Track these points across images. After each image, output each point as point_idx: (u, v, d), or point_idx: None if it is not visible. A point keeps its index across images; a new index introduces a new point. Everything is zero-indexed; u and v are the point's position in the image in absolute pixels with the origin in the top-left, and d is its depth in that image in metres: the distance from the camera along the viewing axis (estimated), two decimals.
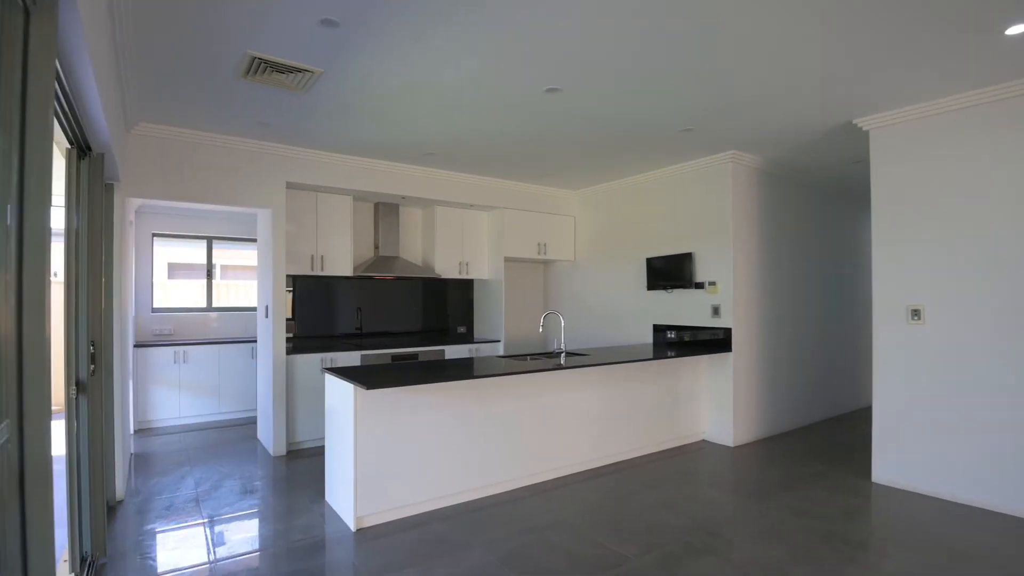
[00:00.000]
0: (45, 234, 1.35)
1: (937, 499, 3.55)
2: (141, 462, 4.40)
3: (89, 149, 2.65)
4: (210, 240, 6.36)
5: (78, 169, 2.56)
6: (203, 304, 6.32)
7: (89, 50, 1.74)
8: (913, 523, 3.21)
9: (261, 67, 2.99)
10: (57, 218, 2.60)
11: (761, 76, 3.17)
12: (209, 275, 6.37)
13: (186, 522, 3.23)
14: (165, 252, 6.43)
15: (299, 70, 3.04)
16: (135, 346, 5.33)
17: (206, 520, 3.25)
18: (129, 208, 5.11)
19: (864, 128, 3.91)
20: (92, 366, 2.68)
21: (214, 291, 6.48)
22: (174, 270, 6.58)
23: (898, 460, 3.78)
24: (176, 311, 6.08)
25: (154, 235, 5.97)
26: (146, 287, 5.86)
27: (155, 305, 5.95)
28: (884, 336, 3.85)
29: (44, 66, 1.34)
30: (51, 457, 1.39)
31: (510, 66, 3.04)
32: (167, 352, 5.50)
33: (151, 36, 2.71)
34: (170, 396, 5.52)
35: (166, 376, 5.50)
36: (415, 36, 2.71)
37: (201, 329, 6.16)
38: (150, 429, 5.41)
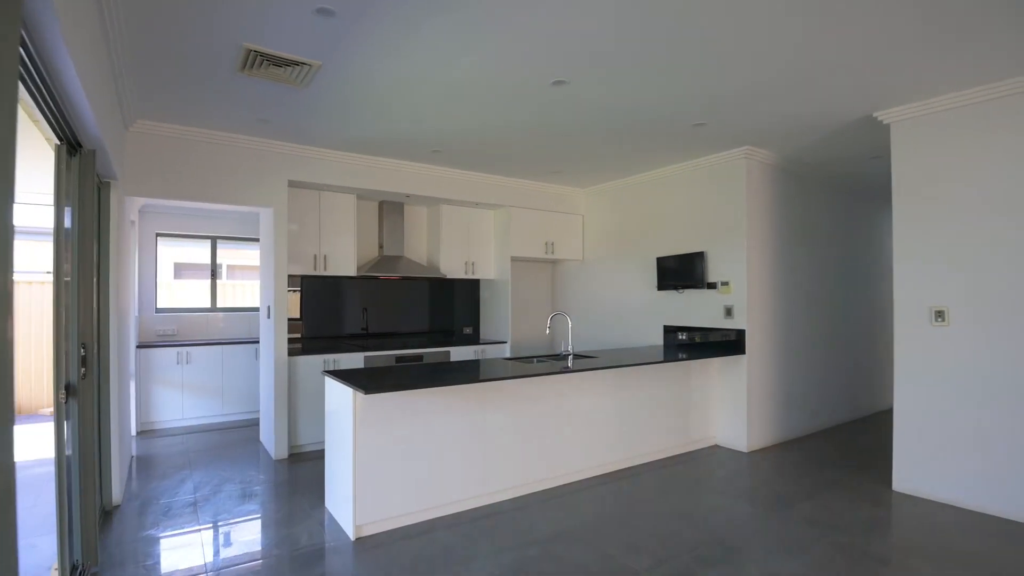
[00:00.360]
0: (7, 230, 1.25)
1: (962, 509, 3.39)
2: (142, 465, 4.34)
3: (80, 145, 2.57)
4: (214, 240, 6.30)
5: (68, 166, 2.48)
6: (208, 304, 6.26)
7: (66, 39, 1.65)
8: (937, 535, 3.05)
9: (258, 60, 2.90)
10: (47, 216, 2.53)
11: (776, 66, 3.02)
12: (214, 275, 6.31)
13: (183, 529, 3.14)
14: (171, 252, 6.39)
15: (297, 63, 2.94)
16: (138, 347, 5.27)
17: (203, 527, 3.17)
18: (132, 208, 5.06)
19: (885, 121, 3.75)
20: (83, 369, 2.60)
21: (222, 291, 6.43)
22: (181, 270, 6.54)
23: (920, 468, 3.62)
24: (180, 311, 6.02)
25: (158, 235, 5.91)
26: (150, 287, 5.80)
27: (159, 305, 5.90)
28: (906, 338, 3.69)
29: (6, 44, 1.24)
30: (14, 468, 1.29)
31: (514, 57, 2.92)
32: (170, 353, 5.44)
33: (143, 29, 2.62)
34: (173, 397, 5.46)
35: (169, 377, 5.44)
36: (415, 27, 2.60)
37: (206, 330, 6.10)
38: (153, 431, 5.35)
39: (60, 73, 1.85)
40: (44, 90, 1.91)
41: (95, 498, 2.71)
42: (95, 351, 3.15)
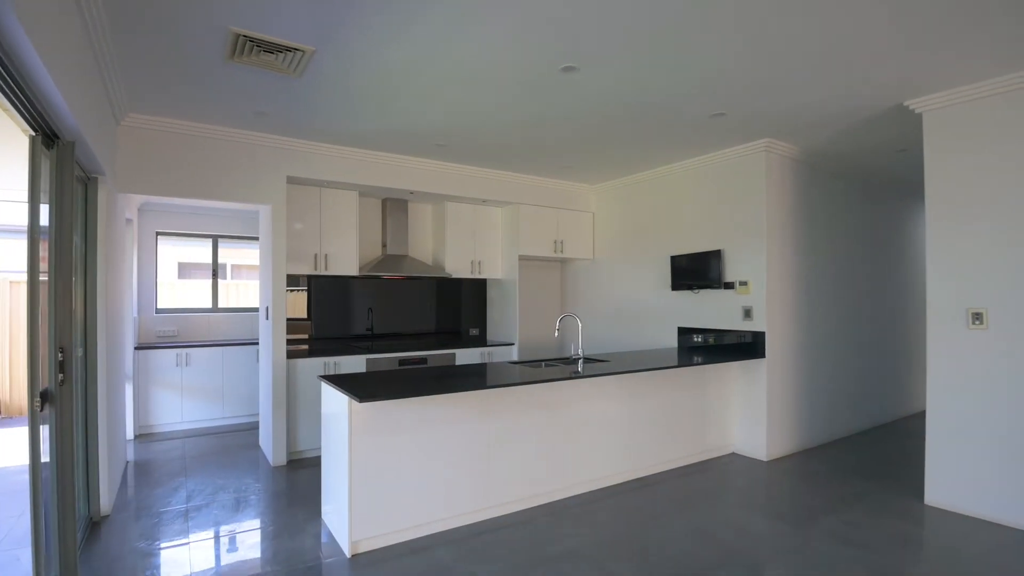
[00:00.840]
0: None
1: (1001, 526, 3.15)
2: (138, 470, 4.20)
3: (57, 137, 2.42)
4: (215, 239, 6.17)
5: (44, 158, 2.33)
6: (209, 305, 6.13)
7: (21, 18, 1.48)
8: (977, 555, 2.82)
9: (247, 46, 2.73)
10: (23, 213, 2.37)
11: (800, 50, 2.80)
12: (215, 275, 6.18)
13: (172, 541, 2.99)
14: (175, 252, 6.27)
15: (288, 49, 2.77)
16: (136, 348, 5.15)
17: (193, 540, 3.01)
18: (131, 206, 4.94)
19: (917, 111, 3.51)
20: (61, 375, 2.44)
21: (226, 291, 6.30)
22: (187, 270, 6.42)
23: (955, 481, 3.38)
24: (181, 312, 5.90)
25: (158, 234, 5.79)
26: (150, 287, 5.68)
27: (160, 306, 5.77)
28: (939, 342, 3.45)
29: None
30: None
31: (521, 42, 2.72)
32: (169, 354, 5.31)
33: (124, 11, 2.46)
34: (172, 400, 5.33)
35: (168, 379, 5.31)
36: (415, 10, 2.42)
37: (207, 330, 5.97)
38: (151, 434, 5.22)
39: (20, 54, 1.69)
40: (5, 73, 1.75)
41: (75, 510, 2.55)
42: (80, 354, 3.01)
